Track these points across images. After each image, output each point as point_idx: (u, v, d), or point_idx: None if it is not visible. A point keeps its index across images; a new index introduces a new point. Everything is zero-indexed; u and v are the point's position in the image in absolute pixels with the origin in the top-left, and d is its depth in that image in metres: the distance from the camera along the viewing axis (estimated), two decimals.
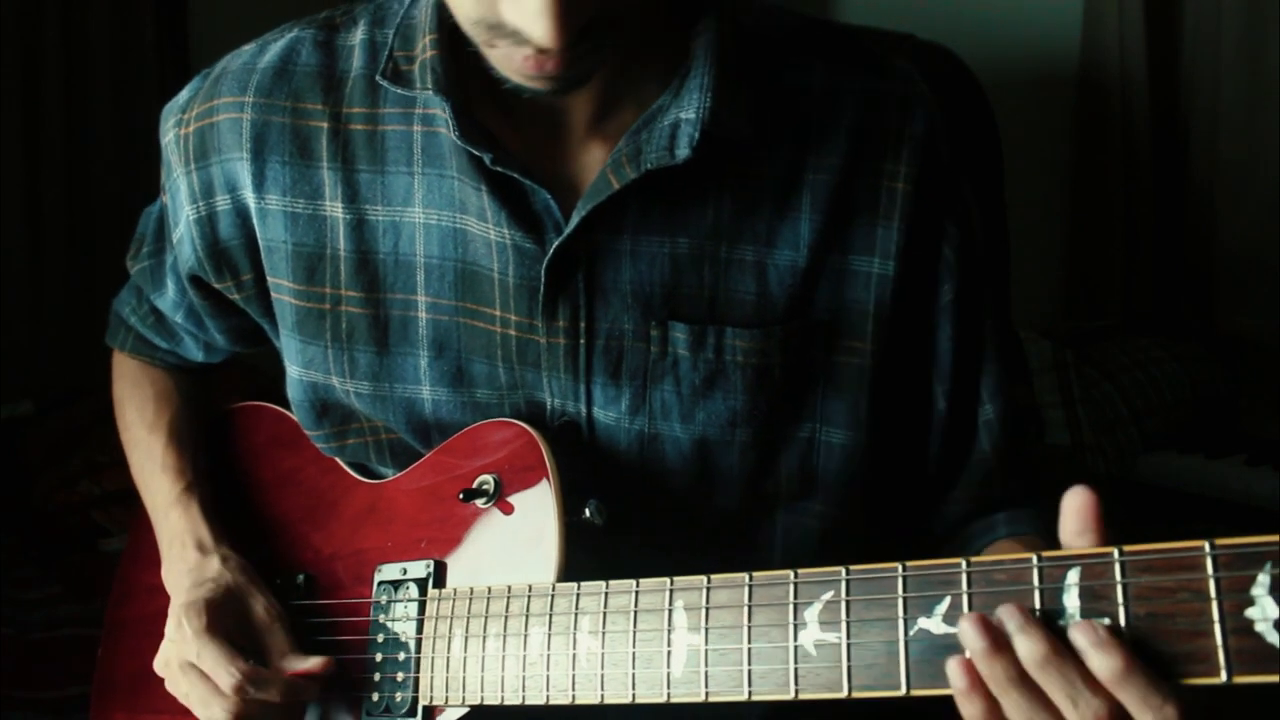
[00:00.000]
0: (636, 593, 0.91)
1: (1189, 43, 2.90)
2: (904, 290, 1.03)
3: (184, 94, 1.14)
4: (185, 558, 1.13)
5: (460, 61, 0.99)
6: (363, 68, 1.05)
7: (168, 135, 1.14)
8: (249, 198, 1.08)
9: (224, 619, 1.06)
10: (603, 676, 0.91)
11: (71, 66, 2.73)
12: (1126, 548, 0.71)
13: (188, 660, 1.05)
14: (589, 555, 0.98)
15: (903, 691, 0.78)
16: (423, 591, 1.04)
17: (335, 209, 1.06)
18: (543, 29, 0.82)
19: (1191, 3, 2.89)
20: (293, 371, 1.12)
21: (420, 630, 1.03)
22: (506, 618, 0.97)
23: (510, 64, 0.89)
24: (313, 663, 1.05)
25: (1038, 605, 0.73)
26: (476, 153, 0.98)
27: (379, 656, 1.05)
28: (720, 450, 1.04)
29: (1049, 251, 3.11)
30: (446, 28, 0.99)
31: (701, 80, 0.97)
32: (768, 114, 1.01)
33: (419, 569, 1.04)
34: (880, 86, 1.04)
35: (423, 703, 1.01)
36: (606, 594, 0.92)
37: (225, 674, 1.02)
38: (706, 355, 1.02)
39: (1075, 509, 0.75)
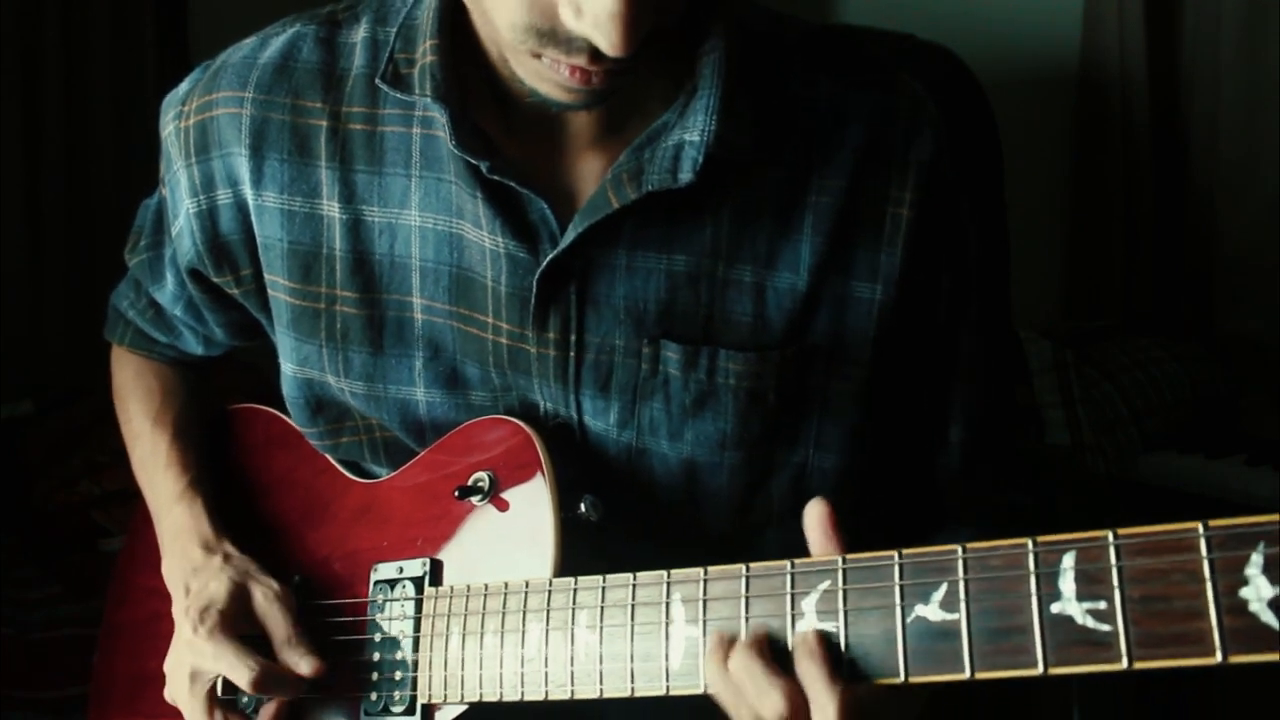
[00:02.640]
0: (634, 586, 0.91)
1: (1189, 43, 2.89)
2: (901, 317, 1.02)
3: (184, 85, 1.14)
4: (189, 555, 1.13)
5: (462, 65, 0.99)
6: (364, 66, 1.05)
7: (167, 127, 1.13)
8: (248, 193, 1.08)
9: (234, 616, 1.07)
10: (601, 671, 0.91)
11: (71, 66, 2.73)
12: (1121, 531, 0.71)
13: (200, 666, 1.05)
14: (585, 551, 0.98)
15: (901, 679, 0.79)
16: (419, 590, 1.04)
17: (332, 208, 1.06)
18: (613, 38, 0.81)
19: (1191, 3, 2.89)
20: (287, 368, 1.12)
21: (418, 629, 1.03)
22: (504, 614, 0.97)
23: (547, 75, 0.88)
24: (305, 666, 1.05)
25: (1034, 590, 0.74)
26: (473, 160, 0.97)
27: (377, 656, 1.05)
28: (709, 471, 1.03)
29: (1049, 251, 3.10)
30: (448, 32, 0.99)
31: (708, 101, 0.95)
32: (772, 129, 1.00)
33: (415, 568, 1.04)
34: (888, 105, 1.02)
35: (421, 701, 1.01)
36: (603, 588, 0.92)
37: (243, 670, 1.03)
38: (698, 376, 1.01)
39: (814, 520, 0.86)
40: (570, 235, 0.97)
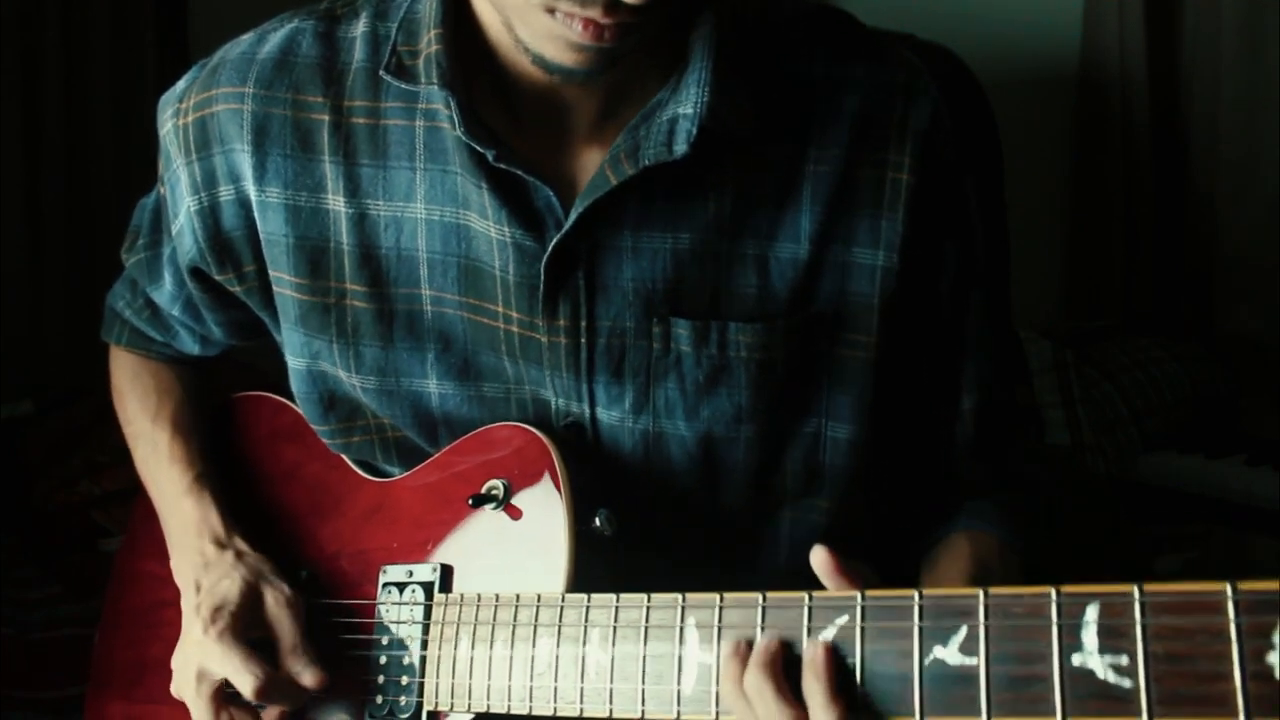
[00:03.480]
0: (648, 608, 0.91)
1: (1189, 43, 2.89)
2: (905, 283, 1.03)
3: (181, 84, 1.14)
4: (201, 550, 1.13)
5: (465, 57, 0.99)
6: (364, 60, 1.05)
7: (165, 126, 1.13)
8: (250, 189, 1.07)
9: (245, 619, 1.07)
10: (612, 690, 0.91)
11: (71, 66, 2.73)
12: (1147, 587, 0.71)
13: (207, 667, 1.05)
14: (598, 564, 0.98)
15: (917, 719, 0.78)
16: (429, 595, 1.03)
17: (337, 203, 1.06)
18: None
19: (1191, 3, 2.89)
20: (297, 364, 1.12)
21: (426, 634, 1.03)
22: (515, 626, 0.97)
23: (558, 33, 0.88)
24: (308, 678, 1.05)
25: (1055, 640, 0.73)
26: (480, 149, 0.97)
27: (384, 659, 1.05)
28: (725, 446, 1.04)
29: (1049, 251, 3.10)
30: (451, 23, 0.99)
31: (699, 75, 0.96)
32: (768, 106, 1.01)
33: (425, 572, 1.04)
34: (883, 76, 1.03)
35: (428, 708, 1.01)
36: (617, 607, 0.92)
37: (248, 678, 1.02)
38: (710, 351, 1.01)
39: (820, 566, 0.86)
40: (572, 217, 0.98)
